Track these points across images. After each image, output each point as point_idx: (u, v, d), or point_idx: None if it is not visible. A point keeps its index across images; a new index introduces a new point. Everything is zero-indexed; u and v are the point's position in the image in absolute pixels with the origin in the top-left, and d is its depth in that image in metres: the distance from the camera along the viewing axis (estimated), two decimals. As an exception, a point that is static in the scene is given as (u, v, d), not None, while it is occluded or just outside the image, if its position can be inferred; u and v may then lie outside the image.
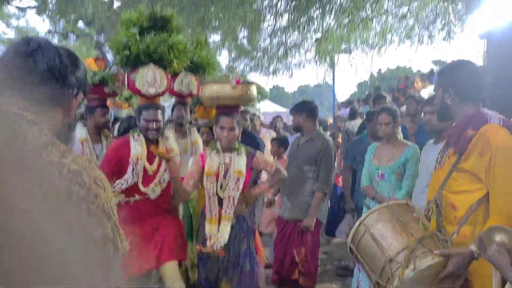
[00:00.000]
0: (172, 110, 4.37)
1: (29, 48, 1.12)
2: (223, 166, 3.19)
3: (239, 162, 3.20)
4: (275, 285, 4.15)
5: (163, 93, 3.77)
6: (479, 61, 5.17)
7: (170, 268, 3.22)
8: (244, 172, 3.20)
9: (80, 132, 3.82)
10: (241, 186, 3.18)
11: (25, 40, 1.15)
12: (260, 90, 12.61)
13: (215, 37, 8.70)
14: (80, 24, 16.21)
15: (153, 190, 3.28)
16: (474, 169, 1.91)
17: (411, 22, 8.36)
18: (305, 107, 4.02)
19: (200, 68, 4.14)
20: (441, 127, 2.86)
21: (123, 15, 3.85)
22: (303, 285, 3.95)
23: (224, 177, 3.18)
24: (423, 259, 1.75)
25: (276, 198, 4.55)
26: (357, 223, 2.00)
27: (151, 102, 3.55)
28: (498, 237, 1.60)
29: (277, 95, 49.84)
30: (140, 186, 3.23)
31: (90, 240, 1.03)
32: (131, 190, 3.20)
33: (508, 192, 1.81)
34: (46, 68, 1.12)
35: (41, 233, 0.78)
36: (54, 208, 0.93)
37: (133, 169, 3.19)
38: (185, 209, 4.11)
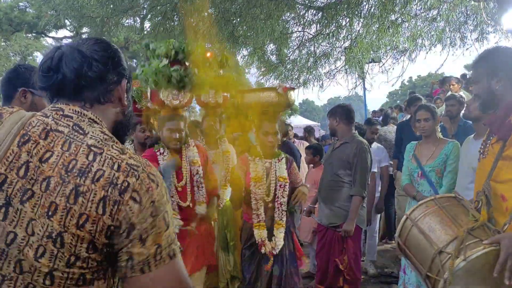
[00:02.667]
0: (202, 121, 4.45)
1: (53, 63, 1.15)
2: (265, 171, 3.26)
3: (281, 168, 3.26)
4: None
5: (186, 104, 3.82)
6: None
7: (199, 275, 3.34)
8: (287, 178, 3.25)
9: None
10: (287, 192, 3.23)
11: (49, 55, 1.18)
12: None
13: (244, 52, 8.80)
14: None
15: (202, 208, 3.34)
16: None
17: (441, 24, 8.20)
18: (339, 110, 3.99)
19: (229, 82, 4.20)
20: (478, 116, 2.78)
21: (152, 48, 3.91)
22: None
23: (266, 182, 3.25)
24: (474, 248, 1.70)
25: (316, 206, 4.50)
26: (404, 217, 1.97)
27: (175, 113, 3.60)
28: None
29: (307, 109, 49.77)
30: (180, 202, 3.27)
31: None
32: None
33: None
34: (75, 77, 1.14)
35: None
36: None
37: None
38: (220, 222, 4.11)
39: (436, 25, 8.21)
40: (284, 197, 3.25)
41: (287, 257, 3.29)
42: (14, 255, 1.02)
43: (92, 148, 1.07)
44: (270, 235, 3.23)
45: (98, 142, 1.09)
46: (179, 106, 3.74)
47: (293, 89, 3.43)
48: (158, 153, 3.35)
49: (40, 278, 1.02)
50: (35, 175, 1.04)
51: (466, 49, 8.71)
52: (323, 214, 3.95)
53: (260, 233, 3.20)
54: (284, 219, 3.27)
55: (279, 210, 3.25)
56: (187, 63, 3.72)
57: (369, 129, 5.52)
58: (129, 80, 1.29)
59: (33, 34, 20.36)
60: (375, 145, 5.36)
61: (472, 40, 8.54)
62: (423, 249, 1.85)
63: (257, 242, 3.20)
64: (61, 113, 1.13)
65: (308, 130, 8.87)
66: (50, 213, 1.01)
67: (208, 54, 4.19)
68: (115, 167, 1.06)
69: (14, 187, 1.03)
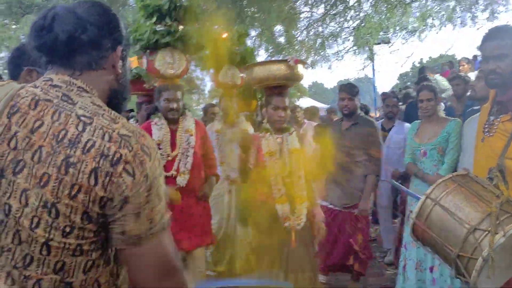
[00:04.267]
0: (220, 101, 4.51)
1: (46, 22, 1.10)
2: (277, 147, 3.22)
3: (293, 141, 3.20)
4: (322, 273, 4.10)
5: (181, 74, 3.83)
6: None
7: (199, 252, 3.39)
8: (301, 150, 3.21)
9: None
10: (302, 165, 3.19)
11: (43, 14, 1.12)
12: (298, 87, 12.56)
13: (252, 33, 8.76)
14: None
15: (182, 179, 3.36)
16: None
17: (452, 3, 8.09)
18: (357, 90, 3.95)
19: (242, 59, 4.25)
20: (485, 96, 2.76)
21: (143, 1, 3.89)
22: (357, 272, 3.90)
23: (280, 157, 3.20)
24: (510, 224, 1.68)
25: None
26: (423, 197, 1.89)
27: (171, 83, 3.59)
28: None
29: (316, 91, 49.46)
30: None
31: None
32: None
33: None
34: (67, 39, 1.09)
35: None
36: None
37: None
38: (236, 196, 4.20)
39: (446, 4, 8.11)
40: (301, 170, 3.20)
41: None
42: (12, 226, 1.02)
43: (82, 118, 1.05)
44: (292, 211, 3.18)
45: (88, 111, 1.07)
46: (174, 76, 3.75)
47: (305, 62, 3.41)
48: (153, 123, 3.36)
49: (37, 249, 1.03)
50: (26, 145, 1.03)
51: (477, 29, 8.61)
52: (335, 195, 3.91)
53: (283, 207, 3.15)
54: (305, 193, 3.22)
55: (297, 184, 3.21)
56: (181, 23, 3.71)
57: (384, 105, 5.40)
58: (125, 47, 1.24)
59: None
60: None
61: (483, 19, 8.43)
62: (450, 228, 1.79)
63: (279, 216, 3.15)
64: (50, 83, 1.10)
65: (333, 111, 8.53)
66: (42, 184, 1.00)
67: (225, 35, 4.22)
68: (106, 137, 1.03)
69: (6, 158, 1.03)
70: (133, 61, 4.20)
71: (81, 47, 1.12)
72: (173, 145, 3.34)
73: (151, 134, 3.26)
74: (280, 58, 9.28)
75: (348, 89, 3.93)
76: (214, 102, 5.02)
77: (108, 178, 1.01)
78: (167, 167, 3.30)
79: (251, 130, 4.41)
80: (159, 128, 3.34)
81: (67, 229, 1.02)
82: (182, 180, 3.36)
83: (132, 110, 4.98)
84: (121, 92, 1.24)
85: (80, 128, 1.03)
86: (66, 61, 1.12)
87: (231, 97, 4.45)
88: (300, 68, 3.22)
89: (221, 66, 4.42)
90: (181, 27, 3.77)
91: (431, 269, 3.30)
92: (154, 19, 3.69)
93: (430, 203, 1.87)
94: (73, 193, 1.01)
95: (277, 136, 3.20)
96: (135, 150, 1.05)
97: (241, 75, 4.31)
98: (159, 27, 3.62)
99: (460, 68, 7.93)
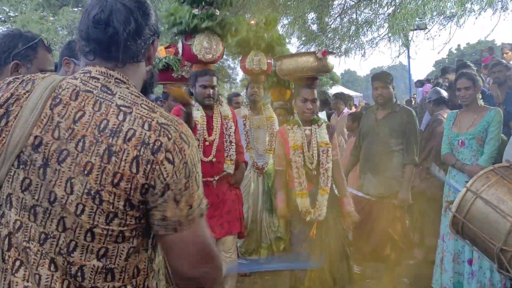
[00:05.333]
0: (246, 88, 4.53)
1: (103, 15, 1.12)
2: (306, 139, 3.21)
3: (322, 133, 3.20)
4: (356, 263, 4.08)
5: (217, 59, 3.80)
6: None
7: (231, 239, 3.37)
8: (329, 143, 3.19)
9: None
10: (331, 158, 3.18)
11: (99, 5, 1.13)
12: (332, 75, 12.43)
13: (284, 21, 8.66)
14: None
15: (230, 166, 3.37)
16: None
17: (493, -13, 7.73)
18: (391, 78, 3.89)
19: (270, 47, 4.23)
20: None
21: None
22: (393, 262, 3.86)
23: (308, 150, 3.20)
24: None
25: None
26: (463, 190, 1.87)
27: (207, 68, 3.58)
28: None
29: (349, 80, 48.70)
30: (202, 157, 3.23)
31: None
32: None
33: None
34: (123, 31, 1.12)
35: None
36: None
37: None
38: (265, 184, 4.23)
39: (487, -13, 7.75)
40: (328, 163, 3.21)
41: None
42: (58, 213, 1.06)
43: (122, 108, 1.08)
44: (314, 203, 3.21)
45: (127, 101, 1.10)
46: (211, 60, 3.74)
47: (333, 53, 3.38)
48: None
49: (82, 235, 1.06)
50: (69, 136, 1.06)
51: (519, 14, 8.22)
52: (370, 184, 3.88)
53: (303, 202, 3.19)
54: (329, 185, 3.24)
55: (324, 176, 3.21)
56: (217, 8, 3.69)
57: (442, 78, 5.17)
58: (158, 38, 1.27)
59: (79, 8, 20.86)
60: None
61: (526, 3, 8.02)
62: (492, 222, 1.76)
63: (300, 210, 3.19)
64: (89, 75, 1.13)
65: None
66: (86, 172, 1.04)
67: (253, 22, 4.23)
68: (146, 126, 1.06)
69: (50, 148, 1.06)
70: (160, 51, 4.24)
71: (130, 41, 1.14)
72: (209, 130, 3.34)
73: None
74: (313, 47, 9.19)
75: (382, 77, 3.86)
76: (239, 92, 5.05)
77: (149, 166, 1.04)
78: (206, 152, 3.29)
79: (275, 118, 4.40)
80: (196, 110, 3.30)
81: (111, 215, 1.06)
82: (230, 167, 3.35)
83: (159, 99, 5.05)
84: (151, 83, 1.28)
85: (120, 117, 1.06)
86: (113, 54, 1.15)
87: (258, 83, 4.45)
88: (329, 59, 3.20)
89: (248, 52, 4.43)
90: (217, 11, 3.76)
91: (470, 262, 3.23)
92: (191, 3, 3.68)
93: (470, 196, 1.83)
94: (115, 181, 1.04)
95: (306, 128, 3.21)
96: (174, 138, 1.07)
97: (268, 61, 4.29)
98: (197, 11, 3.62)
99: (504, 55, 7.63)
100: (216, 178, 3.32)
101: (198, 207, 1.13)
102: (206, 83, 3.30)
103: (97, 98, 1.09)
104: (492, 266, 1.89)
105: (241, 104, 5.13)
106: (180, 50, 3.92)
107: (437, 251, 3.59)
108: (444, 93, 4.77)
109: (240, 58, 4.95)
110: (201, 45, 3.66)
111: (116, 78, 1.14)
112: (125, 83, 1.15)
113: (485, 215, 1.78)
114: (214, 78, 3.33)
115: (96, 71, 1.14)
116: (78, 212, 1.05)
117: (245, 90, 4.78)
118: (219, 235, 3.34)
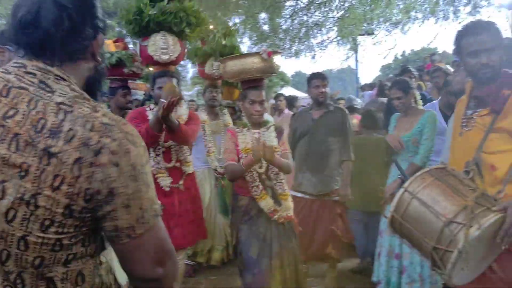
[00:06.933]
0: (204, 93, 4.47)
1: (30, 16, 1.02)
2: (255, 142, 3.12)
3: (270, 137, 3.11)
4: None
5: (176, 60, 3.68)
6: (507, 32, 5.01)
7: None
8: (278, 146, 3.10)
9: None
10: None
11: (25, 5, 1.04)
12: (281, 76, 12.54)
13: (235, 20, 8.68)
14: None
15: (190, 169, 3.31)
16: None
17: (435, -3, 8.14)
18: (328, 79, 3.96)
19: (227, 52, 4.20)
20: (462, 90, 2.78)
21: None
22: (334, 259, 3.91)
23: None
24: (485, 217, 1.70)
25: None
26: (401, 190, 1.90)
27: (165, 69, 3.46)
28: None
29: (299, 81, 49.46)
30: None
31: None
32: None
33: None
34: (55, 31, 1.03)
35: None
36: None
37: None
38: (218, 186, 4.18)
39: (430, -3, 8.15)
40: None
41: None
42: None
43: (62, 106, 0.99)
44: (277, 203, 3.12)
45: (68, 99, 1.01)
46: (169, 61, 3.60)
47: (279, 53, 3.32)
48: (148, 109, 3.26)
49: (14, 244, 0.97)
50: (0, 134, 0.96)
51: (459, 23, 8.69)
52: (310, 184, 3.89)
53: (266, 203, 3.10)
54: (287, 188, 3.18)
55: (277, 181, 3.14)
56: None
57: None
58: (104, 33, 1.17)
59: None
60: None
61: (465, 14, 8.52)
62: (427, 221, 1.81)
63: (267, 212, 3.09)
64: (24, 69, 1.03)
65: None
66: (22, 174, 0.95)
67: (211, 27, 4.17)
68: (88, 126, 0.98)
69: None
70: (109, 45, 4.07)
71: (65, 39, 1.05)
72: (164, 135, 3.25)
73: (147, 118, 3.16)
74: (264, 47, 9.25)
75: (322, 76, 3.94)
76: (195, 90, 4.98)
77: (91, 169, 0.96)
78: (165, 158, 3.23)
79: (231, 124, 4.37)
80: (153, 114, 3.16)
81: (46, 223, 0.97)
82: (190, 169, 3.33)
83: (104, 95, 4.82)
84: (98, 79, 1.18)
85: (60, 116, 0.98)
86: (47, 53, 1.05)
87: (216, 87, 4.40)
88: (275, 59, 3.14)
89: (207, 58, 4.37)
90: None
91: (400, 256, 3.38)
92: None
93: (408, 196, 1.89)
94: (56, 184, 0.95)
95: (254, 131, 3.12)
96: (119, 139, 1.00)
97: None
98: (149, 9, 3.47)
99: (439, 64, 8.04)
100: (181, 183, 3.26)
101: (150, 207, 1.05)
102: (164, 84, 3.22)
103: (33, 95, 0.99)
104: (424, 261, 1.97)
105: (199, 109, 5.05)
106: (137, 50, 3.77)
107: (376, 246, 3.71)
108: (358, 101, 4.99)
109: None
110: (156, 46, 3.51)
111: (56, 75, 1.05)
112: (65, 80, 1.06)
113: (420, 214, 1.84)
114: (173, 80, 3.21)
115: (33, 66, 1.04)
116: (9, 218, 0.95)
117: (202, 94, 4.71)
118: (184, 244, 3.24)
